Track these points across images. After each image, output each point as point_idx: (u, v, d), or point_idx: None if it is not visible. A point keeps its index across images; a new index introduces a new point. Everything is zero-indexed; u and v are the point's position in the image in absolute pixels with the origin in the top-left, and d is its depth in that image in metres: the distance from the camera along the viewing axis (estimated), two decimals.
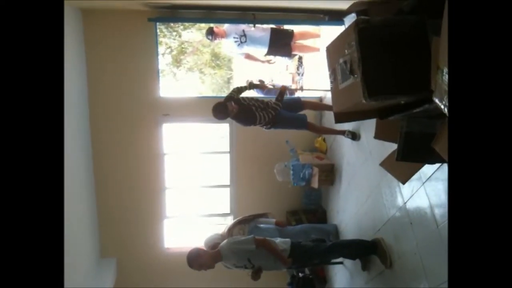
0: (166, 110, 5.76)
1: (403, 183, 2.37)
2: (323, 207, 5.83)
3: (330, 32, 5.15)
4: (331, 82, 1.88)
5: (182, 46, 10.08)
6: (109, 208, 5.91)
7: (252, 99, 4.50)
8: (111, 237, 6.00)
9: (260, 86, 4.99)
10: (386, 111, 1.79)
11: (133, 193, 5.95)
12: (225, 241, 3.81)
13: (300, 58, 7.65)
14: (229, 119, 4.44)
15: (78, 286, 5.01)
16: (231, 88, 4.80)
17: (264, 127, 4.55)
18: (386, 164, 2.47)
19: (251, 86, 4.72)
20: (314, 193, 5.87)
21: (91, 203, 5.71)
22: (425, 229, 2.98)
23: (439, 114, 1.95)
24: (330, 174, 5.24)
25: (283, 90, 4.46)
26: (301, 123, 4.72)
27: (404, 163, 2.41)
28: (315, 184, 5.22)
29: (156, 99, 5.73)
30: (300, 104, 4.82)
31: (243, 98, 4.46)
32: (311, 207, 5.98)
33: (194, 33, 9.79)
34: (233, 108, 4.23)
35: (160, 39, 8.20)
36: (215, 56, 10.46)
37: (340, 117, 1.89)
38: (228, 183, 6.13)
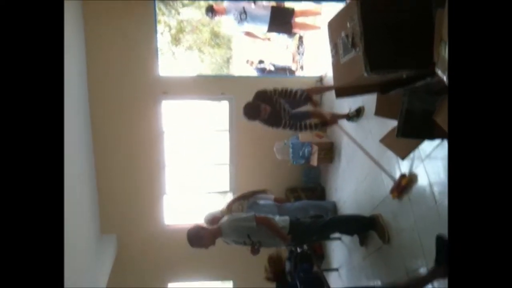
0: (165, 89, 5.74)
1: (403, 158, 2.39)
2: (322, 185, 5.87)
3: (331, 10, 5.08)
4: (333, 57, 1.86)
5: (181, 24, 9.97)
6: (109, 185, 5.94)
7: (283, 106, 4.30)
8: (111, 214, 6.05)
9: (313, 103, 4.56)
10: (388, 85, 1.79)
11: (133, 170, 5.98)
12: (225, 217, 3.85)
13: (300, 37, 7.59)
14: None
15: (79, 262, 5.09)
16: (230, 68, 4.62)
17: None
18: (386, 140, 2.47)
19: (302, 95, 4.33)
20: (313, 171, 5.90)
21: (92, 181, 5.73)
22: (424, 207, 3.01)
23: (440, 89, 1.95)
24: (329, 152, 5.26)
25: (331, 122, 4.51)
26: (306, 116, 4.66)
27: (404, 140, 2.42)
28: (314, 162, 5.25)
29: (155, 78, 5.71)
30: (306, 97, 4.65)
31: (276, 99, 4.26)
32: (310, 185, 6.01)
33: (193, 11, 9.68)
34: (266, 112, 4.10)
35: (159, 17, 8.10)
36: (215, 35, 10.35)
37: (341, 92, 1.88)
38: (227, 161, 6.16)
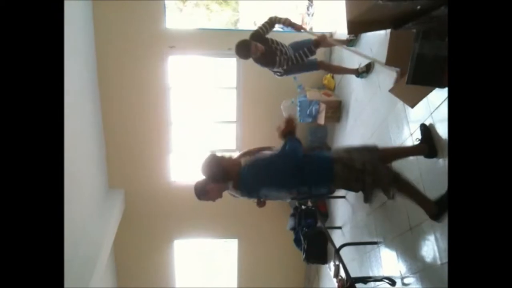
0: (172, 43, 5.65)
1: (412, 106, 2.35)
2: (328, 145, 5.86)
3: None
4: None
5: None
6: (117, 141, 5.98)
7: (279, 44, 4.24)
8: (119, 169, 6.11)
9: (297, 27, 4.37)
10: (401, 19, 1.73)
11: (140, 126, 5.99)
12: None
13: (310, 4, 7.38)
14: None
15: (88, 214, 5.20)
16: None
17: (277, 74, 4.44)
18: (395, 90, 2.43)
19: (286, 22, 4.25)
20: (320, 130, 5.87)
21: (99, 135, 5.77)
22: (430, 160, 2.99)
23: None
24: (337, 110, 5.21)
25: (322, 39, 4.16)
26: (312, 66, 4.60)
27: (414, 88, 2.38)
28: (321, 120, 5.21)
29: (162, 30, 5.61)
30: (311, 47, 4.60)
31: (272, 40, 4.20)
32: (316, 144, 6.00)
33: None
34: (257, 50, 4.02)
35: None
36: None
37: (353, 27, 1.82)
38: (234, 119, 6.14)
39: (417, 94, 2.29)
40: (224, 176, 2.93)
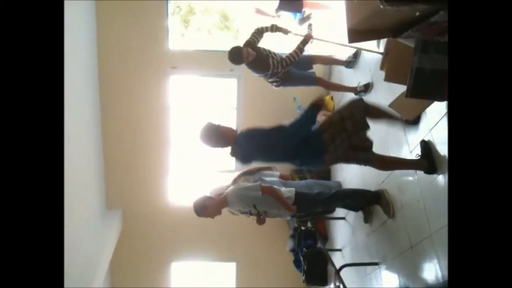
0: (174, 63, 5.74)
1: (412, 120, 2.37)
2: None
3: None
4: (347, 0, 1.84)
5: (191, 6, 9.95)
6: (116, 161, 5.98)
7: (271, 51, 4.38)
8: (117, 189, 6.08)
9: (283, 31, 4.54)
10: (400, 27, 1.76)
11: (139, 146, 6.00)
12: (231, 187, 3.85)
13: (310, 25, 7.52)
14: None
15: (85, 235, 5.13)
16: None
17: (274, 84, 4.51)
18: (395, 104, 2.46)
19: (273, 28, 4.45)
20: None
21: (98, 155, 5.76)
22: (430, 177, 2.99)
23: None
24: None
25: (308, 38, 4.33)
26: (310, 80, 4.70)
27: (413, 102, 2.40)
28: None
29: (164, 51, 5.71)
30: (309, 60, 4.76)
31: (263, 48, 4.36)
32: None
33: None
34: (248, 54, 4.15)
35: None
36: (224, 17, 10.33)
37: (354, 36, 1.85)
38: None
39: (416, 107, 2.32)
40: (221, 141, 3.15)
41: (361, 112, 2.80)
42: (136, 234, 6.28)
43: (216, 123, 3.23)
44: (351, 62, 4.73)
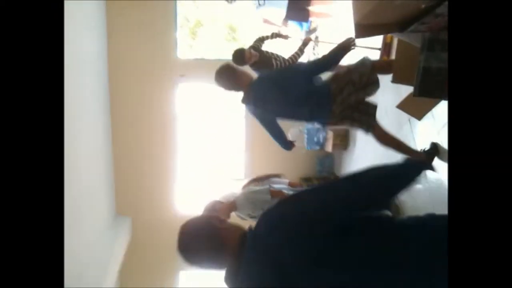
0: (182, 71, 5.83)
1: (419, 119, 2.39)
2: (336, 174, 5.85)
3: None
4: None
5: (199, 20, 10.11)
6: (126, 168, 6.03)
7: (273, 53, 4.45)
8: (126, 196, 6.12)
9: (283, 37, 4.72)
10: (406, 21, 1.79)
11: (149, 153, 6.07)
12: (241, 191, 3.86)
13: (316, 37, 7.59)
14: None
15: (95, 241, 5.15)
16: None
17: None
18: (403, 105, 2.49)
19: (273, 35, 4.59)
20: (328, 159, 5.89)
21: (109, 163, 5.83)
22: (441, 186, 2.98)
23: None
24: (344, 138, 5.24)
25: (307, 41, 4.41)
26: None
27: (420, 102, 2.42)
28: (328, 148, 5.24)
29: (173, 60, 5.80)
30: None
31: (266, 50, 4.43)
32: (324, 174, 6.00)
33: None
34: (251, 56, 4.19)
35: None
36: (231, 29, 10.46)
37: (361, 31, 1.88)
38: (242, 148, 6.18)
39: (423, 107, 2.34)
40: (235, 83, 3.18)
41: (368, 66, 2.89)
42: (145, 241, 6.31)
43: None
44: None
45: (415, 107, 2.40)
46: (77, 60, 4.53)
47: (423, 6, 1.57)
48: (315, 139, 5.28)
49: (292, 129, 5.64)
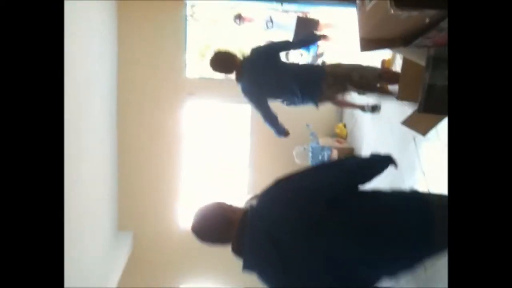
0: (190, 89, 5.93)
1: (424, 134, 2.44)
2: None
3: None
4: (359, 10, 1.94)
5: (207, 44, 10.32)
6: (130, 183, 6.06)
7: None
8: (129, 211, 6.14)
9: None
10: (410, 36, 1.85)
11: (154, 169, 6.11)
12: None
13: (323, 62, 7.72)
14: None
15: (95, 255, 5.14)
16: None
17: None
18: (407, 122, 2.54)
19: None
20: None
21: (113, 177, 5.87)
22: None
23: None
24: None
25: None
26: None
27: (425, 118, 2.46)
28: None
29: (182, 79, 5.92)
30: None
31: None
32: None
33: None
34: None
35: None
36: (239, 51, 10.68)
37: (366, 45, 1.94)
38: (247, 165, 6.22)
39: (428, 123, 2.39)
40: (230, 66, 3.57)
41: (373, 73, 3.27)
42: (146, 255, 6.29)
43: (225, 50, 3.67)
44: (367, 111, 4.63)
45: (419, 124, 2.45)
46: (87, 75, 4.64)
47: (427, 20, 1.63)
48: (320, 157, 5.30)
49: (297, 147, 5.69)
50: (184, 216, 6.32)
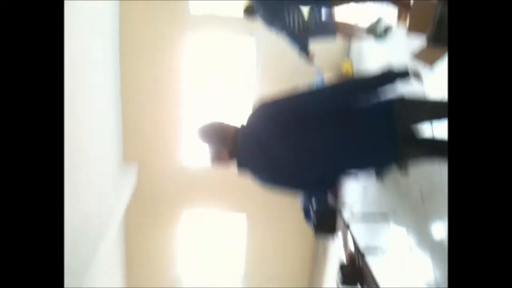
0: (194, 25, 5.88)
1: (431, 64, 2.52)
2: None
3: None
4: None
5: None
6: (134, 116, 6.16)
7: None
8: (134, 144, 6.28)
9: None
10: None
11: (158, 103, 6.17)
12: None
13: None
14: None
15: (101, 185, 5.31)
16: None
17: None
18: (417, 55, 2.60)
19: None
20: None
21: (118, 110, 5.96)
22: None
23: None
24: None
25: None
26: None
27: (433, 52, 2.54)
28: None
29: (185, 15, 5.84)
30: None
31: None
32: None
33: None
34: None
35: None
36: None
37: None
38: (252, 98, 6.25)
39: (436, 55, 2.48)
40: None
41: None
42: (150, 185, 6.51)
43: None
44: (380, 34, 4.26)
45: (427, 57, 2.53)
46: (88, 11, 4.59)
47: None
48: None
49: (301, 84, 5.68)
50: (187, 147, 6.47)
